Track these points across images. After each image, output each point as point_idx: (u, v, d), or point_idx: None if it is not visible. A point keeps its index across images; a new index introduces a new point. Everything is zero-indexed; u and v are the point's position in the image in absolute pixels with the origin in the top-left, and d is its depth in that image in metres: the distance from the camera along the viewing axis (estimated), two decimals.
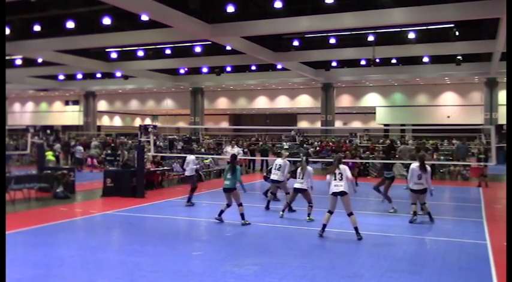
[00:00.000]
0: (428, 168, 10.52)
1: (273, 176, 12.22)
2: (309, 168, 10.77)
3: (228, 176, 10.23)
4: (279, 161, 12.29)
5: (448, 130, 28.78)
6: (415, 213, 10.58)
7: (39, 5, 17.65)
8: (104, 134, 38.91)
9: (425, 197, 10.56)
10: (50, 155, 19.95)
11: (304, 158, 11.29)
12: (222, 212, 10.43)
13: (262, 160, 23.63)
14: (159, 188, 16.43)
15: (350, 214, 8.95)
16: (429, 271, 7.07)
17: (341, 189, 8.88)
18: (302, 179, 10.61)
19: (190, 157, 13.46)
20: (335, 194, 8.96)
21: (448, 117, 35.50)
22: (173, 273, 6.79)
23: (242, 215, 10.22)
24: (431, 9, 16.69)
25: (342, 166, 9.16)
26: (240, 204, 10.24)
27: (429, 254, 8.20)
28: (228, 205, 10.39)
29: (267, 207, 12.26)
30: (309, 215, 10.72)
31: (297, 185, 10.73)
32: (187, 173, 13.32)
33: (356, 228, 8.91)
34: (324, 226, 9.11)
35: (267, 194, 13.09)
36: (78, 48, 23.56)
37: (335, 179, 9.01)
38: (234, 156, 10.77)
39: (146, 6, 15.90)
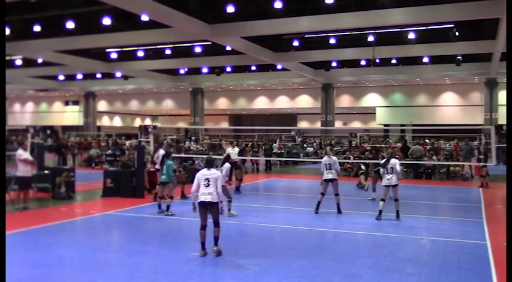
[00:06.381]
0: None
1: None
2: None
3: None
4: None
5: (448, 130, 28.77)
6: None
7: (39, 5, 17.64)
8: (105, 134, 38.84)
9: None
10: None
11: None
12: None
13: (266, 160, 24.19)
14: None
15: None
16: (429, 271, 7.06)
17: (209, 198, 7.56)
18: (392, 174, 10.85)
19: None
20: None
21: None
22: (173, 274, 6.79)
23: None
24: (431, 9, 16.71)
25: None
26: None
27: (429, 254, 8.19)
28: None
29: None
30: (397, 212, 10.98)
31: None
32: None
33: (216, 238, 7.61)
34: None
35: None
36: (78, 48, 23.57)
37: None
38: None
39: (146, 7, 15.90)
